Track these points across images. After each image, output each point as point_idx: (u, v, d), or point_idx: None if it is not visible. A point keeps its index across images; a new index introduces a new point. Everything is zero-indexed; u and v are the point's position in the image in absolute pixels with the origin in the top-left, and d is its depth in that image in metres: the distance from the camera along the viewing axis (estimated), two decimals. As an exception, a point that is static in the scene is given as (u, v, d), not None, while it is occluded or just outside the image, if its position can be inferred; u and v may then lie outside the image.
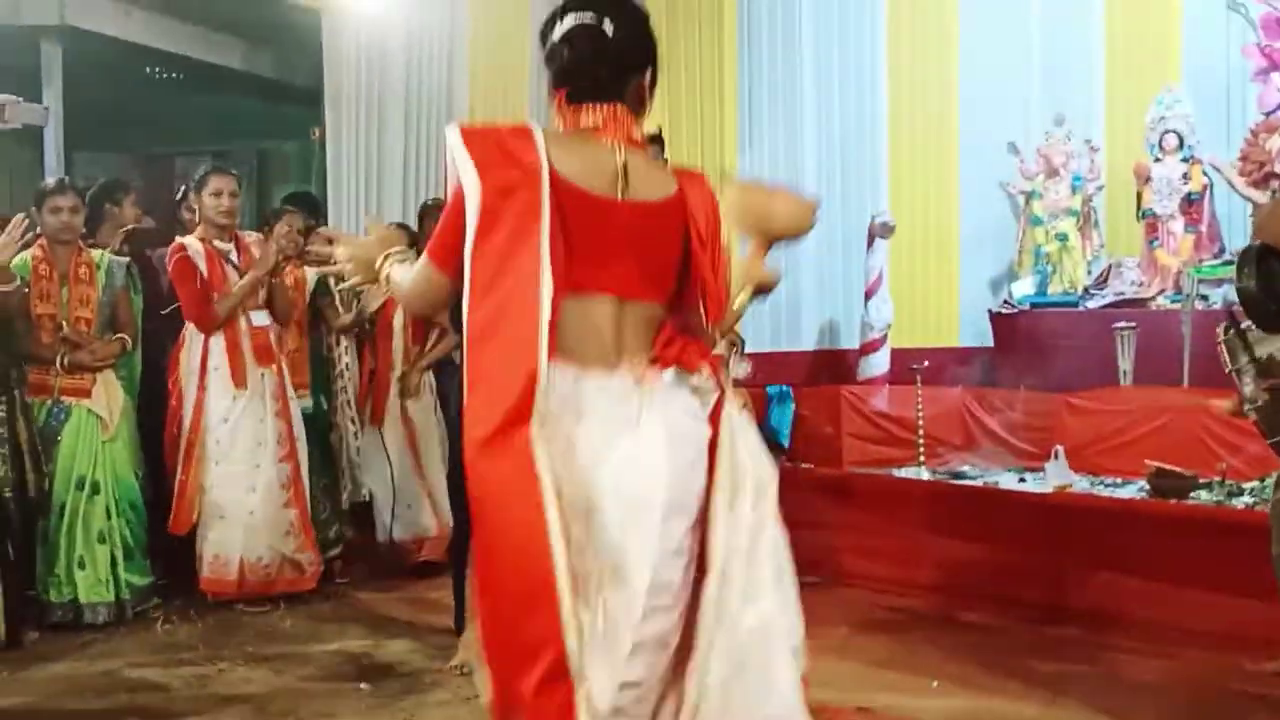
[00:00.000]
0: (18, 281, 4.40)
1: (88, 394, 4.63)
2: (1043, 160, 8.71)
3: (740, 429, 2.06)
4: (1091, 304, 8.31)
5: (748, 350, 8.08)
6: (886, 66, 9.06)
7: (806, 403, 7.72)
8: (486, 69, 7.35)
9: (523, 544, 1.87)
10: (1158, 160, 8.24)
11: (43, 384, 4.57)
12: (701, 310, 2.12)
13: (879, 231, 8.25)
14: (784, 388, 7.70)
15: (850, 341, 8.68)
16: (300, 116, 8.27)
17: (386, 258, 2.20)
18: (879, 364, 8.26)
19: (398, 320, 5.42)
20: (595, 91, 2.06)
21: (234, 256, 4.92)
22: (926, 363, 7.11)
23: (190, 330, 4.86)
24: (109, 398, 4.67)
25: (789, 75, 8.75)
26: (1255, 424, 3.42)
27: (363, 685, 3.87)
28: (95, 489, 4.62)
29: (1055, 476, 6.16)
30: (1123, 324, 7.44)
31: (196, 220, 5.12)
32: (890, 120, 9.00)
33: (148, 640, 4.46)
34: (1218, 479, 5.92)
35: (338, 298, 5.34)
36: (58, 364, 4.55)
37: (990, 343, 8.62)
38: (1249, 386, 3.35)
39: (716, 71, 8.46)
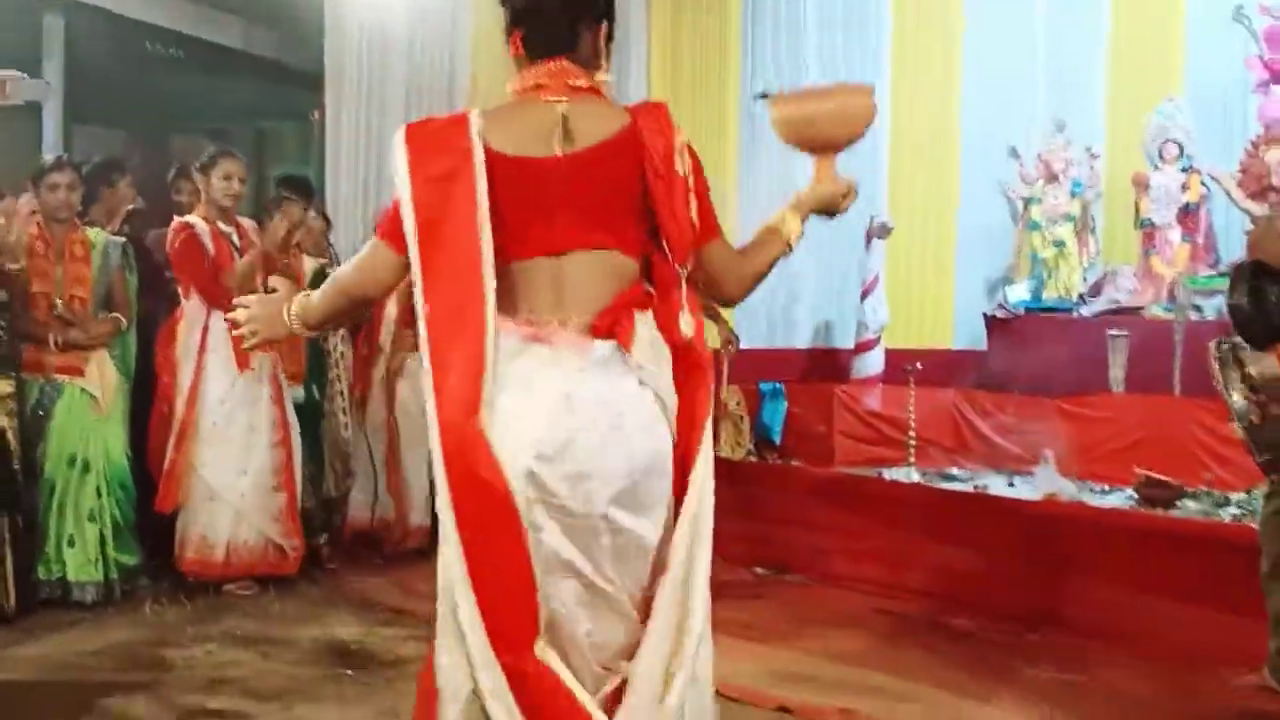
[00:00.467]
0: (22, 263, 4.40)
1: (81, 372, 4.62)
2: (1043, 165, 8.73)
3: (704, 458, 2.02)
4: (1086, 311, 8.34)
5: (742, 346, 8.13)
6: (890, 66, 9.07)
7: (799, 400, 7.75)
8: (489, 51, 7.33)
9: (496, 524, 1.90)
10: (1157, 169, 8.26)
11: (37, 362, 4.56)
12: (666, 249, 2.03)
13: (877, 232, 8.27)
14: (777, 385, 7.73)
15: (845, 341, 8.70)
16: (300, 97, 8.25)
17: (290, 304, 2.18)
18: (873, 364, 8.29)
19: (390, 308, 5.42)
20: (548, 42, 2.06)
21: (235, 240, 4.91)
22: (920, 364, 7.13)
23: (190, 310, 4.83)
24: (102, 377, 4.67)
25: (792, 72, 8.74)
26: (1243, 441, 3.44)
27: (349, 671, 3.87)
28: (86, 467, 4.61)
29: (1044, 482, 6.19)
30: (1116, 331, 7.47)
31: (188, 200, 5.12)
32: (892, 121, 9.00)
33: (136, 620, 4.46)
34: (1205, 489, 5.97)
35: None
36: (52, 342, 4.54)
37: (984, 346, 8.65)
38: (1238, 403, 3.37)
39: (719, 66, 8.46)
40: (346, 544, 5.52)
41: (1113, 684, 3.90)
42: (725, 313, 8.26)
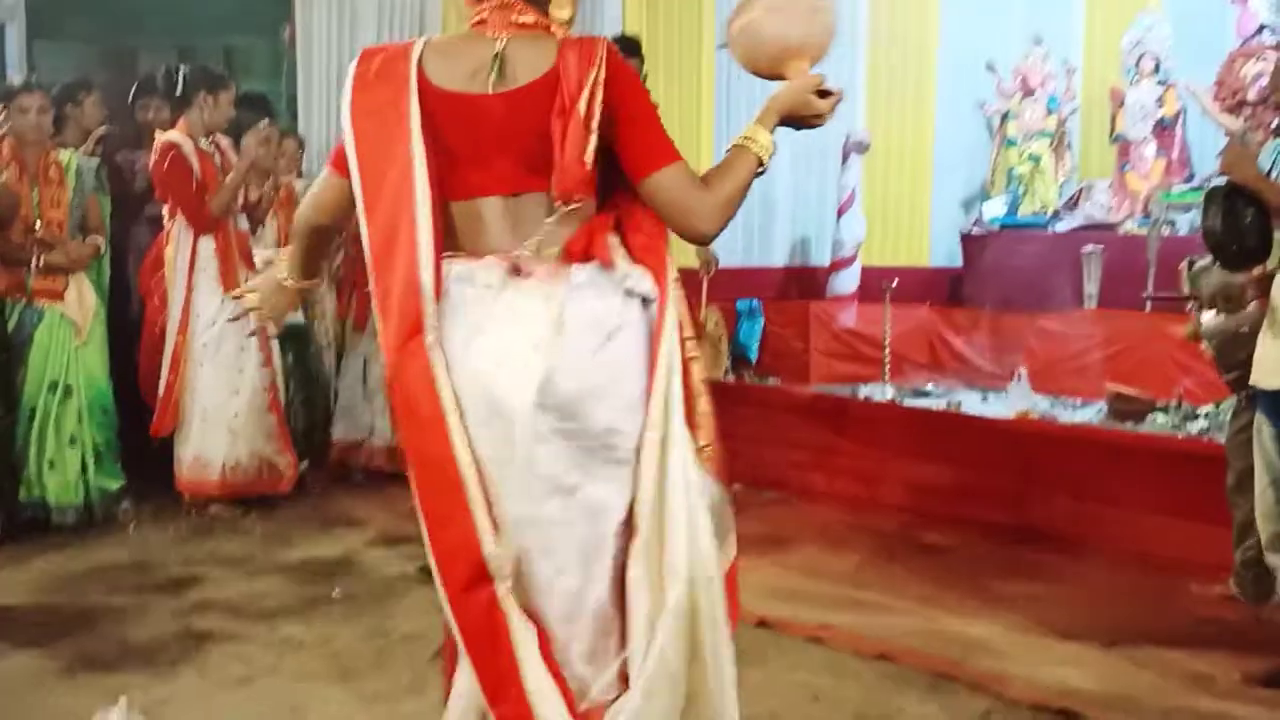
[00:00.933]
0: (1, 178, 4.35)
1: (60, 296, 4.60)
2: (1020, 80, 8.70)
3: (674, 362, 1.94)
4: (1061, 226, 8.39)
5: (722, 265, 8.13)
6: (867, -21, 8.95)
7: (776, 318, 7.79)
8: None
9: (433, 455, 1.90)
10: (1133, 84, 8.25)
11: (15, 285, 4.53)
12: (553, 184, 1.92)
13: (854, 149, 8.24)
14: (754, 302, 7.76)
15: (821, 258, 8.72)
16: (270, 12, 8.06)
17: (279, 268, 2.22)
18: (849, 281, 8.33)
19: None
20: None
21: (217, 158, 4.88)
22: (896, 281, 7.17)
23: (178, 230, 4.79)
24: (82, 301, 4.64)
25: None
26: (1212, 357, 3.50)
27: (335, 592, 3.93)
28: (68, 392, 4.61)
29: (1017, 398, 6.27)
30: (1089, 247, 7.52)
31: (154, 118, 5.07)
32: (869, 35, 8.92)
33: (120, 544, 4.50)
34: (1174, 402, 6.06)
35: None
36: (33, 265, 4.51)
37: (960, 263, 8.70)
38: (1207, 321, 3.43)
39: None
40: (331, 466, 5.55)
41: (1083, 595, 4.01)
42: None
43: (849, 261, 8.35)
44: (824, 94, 2.02)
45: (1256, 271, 3.15)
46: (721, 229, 2.01)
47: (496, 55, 1.93)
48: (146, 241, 5.18)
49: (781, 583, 4.12)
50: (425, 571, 2.07)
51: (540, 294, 1.90)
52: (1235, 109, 7.78)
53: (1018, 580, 4.15)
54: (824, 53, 2.05)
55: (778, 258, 8.92)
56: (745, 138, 1.99)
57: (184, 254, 4.76)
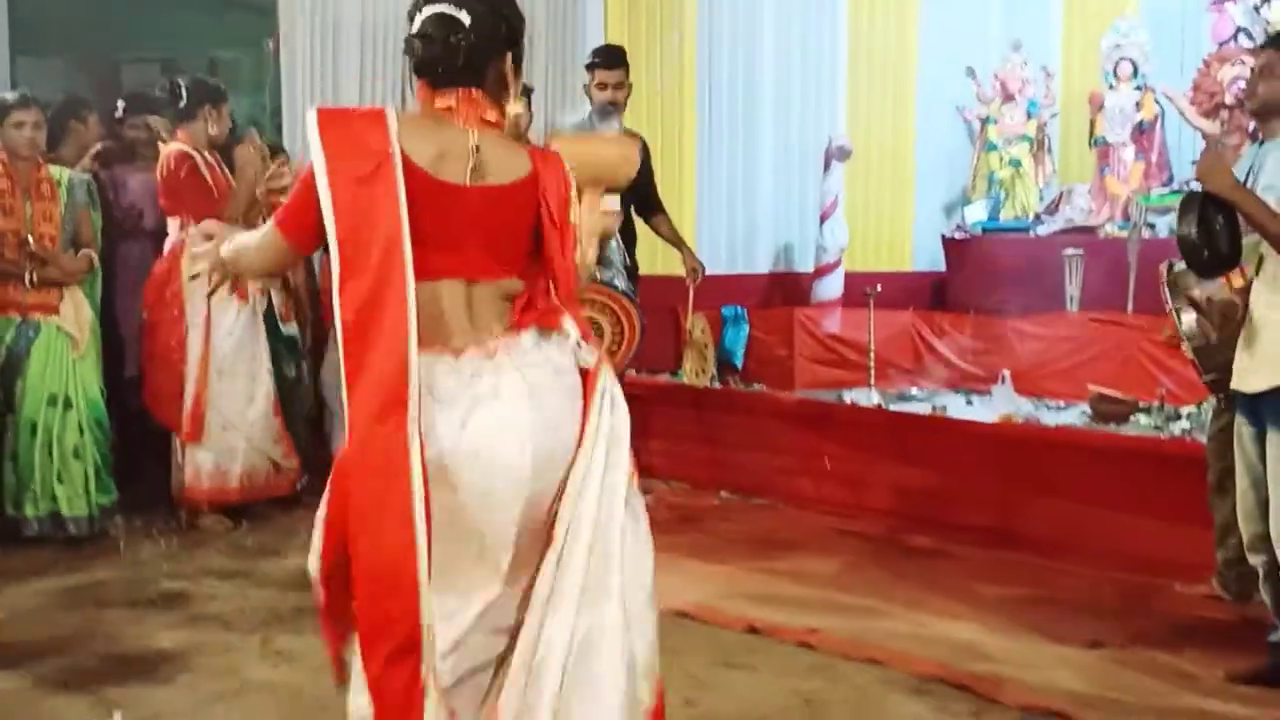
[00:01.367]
0: None
1: (56, 310, 4.61)
2: (999, 85, 8.77)
3: (614, 402, 2.14)
4: (1042, 230, 8.46)
5: (706, 272, 8.17)
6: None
7: (760, 325, 7.83)
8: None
9: (391, 526, 1.94)
10: (1111, 88, 8.34)
11: (9, 300, 4.54)
12: (551, 287, 2.17)
13: (836, 155, 8.29)
14: (739, 309, 7.80)
15: (805, 264, 8.76)
16: (254, 25, 8.07)
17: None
18: (833, 287, 8.37)
19: None
20: (452, 79, 2.09)
21: (219, 170, 4.98)
22: (880, 287, 7.21)
23: (192, 241, 4.81)
24: (78, 315, 4.66)
25: (748, 7, 8.66)
26: (1192, 361, 3.55)
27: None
28: (68, 404, 4.63)
29: (1001, 401, 6.33)
30: (1071, 250, 7.59)
31: (145, 136, 5.11)
32: (849, 43, 8.99)
33: (114, 558, 4.50)
34: (1156, 403, 6.13)
35: None
36: (26, 280, 4.52)
37: (942, 267, 8.76)
38: (1187, 324, 3.48)
39: (677, 11, 8.37)
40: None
41: (1068, 597, 4.06)
42: (687, 237, 8.34)
43: (832, 267, 8.40)
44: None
45: (1239, 283, 3.20)
46: None
47: (475, 148, 2.07)
48: (135, 256, 5.19)
49: (769, 588, 4.16)
50: None
51: (510, 366, 2.05)
52: (1212, 113, 7.88)
53: (1004, 583, 4.20)
54: (620, 188, 2.44)
55: (761, 264, 8.96)
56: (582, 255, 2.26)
57: (201, 264, 4.78)
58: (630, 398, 6.12)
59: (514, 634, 2.08)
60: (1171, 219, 7.88)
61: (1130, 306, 7.14)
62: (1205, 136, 7.87)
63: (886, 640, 3.59)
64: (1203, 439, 4.16)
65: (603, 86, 5.17)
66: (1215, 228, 3.02)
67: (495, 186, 2.08)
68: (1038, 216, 8.63)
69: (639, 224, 5.40)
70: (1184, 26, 8.48)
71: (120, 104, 5.53)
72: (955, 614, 3.86)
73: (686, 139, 8.39)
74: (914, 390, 7.18)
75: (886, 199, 9.13)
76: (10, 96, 4.72)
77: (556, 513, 2.07)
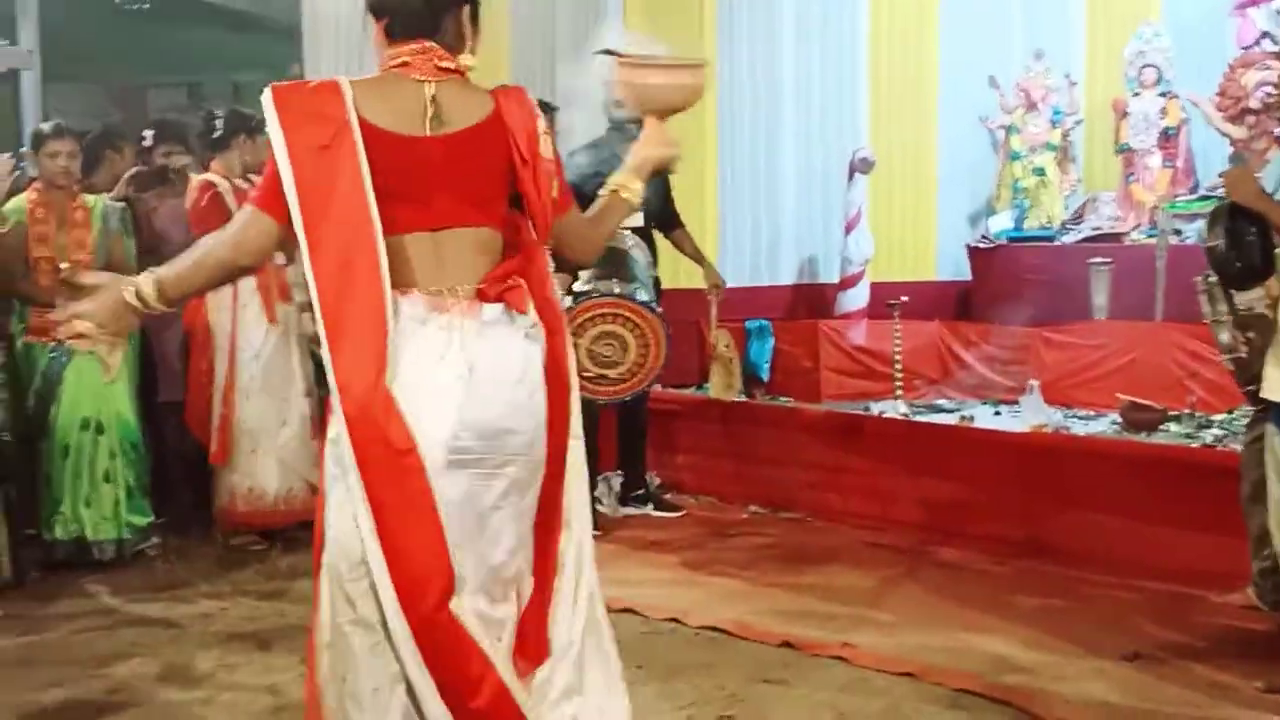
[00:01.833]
0: (10, 224, 4.43)
1: (90, 336, 4.67)
2: (1022, 94, 8.75)
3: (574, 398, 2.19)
4: (1068, 239, 8.43)
5: (730, 285, 8.17)
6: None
7: (785, 337, 7.82)
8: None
9: (409, 485, 2.00)
10: (1136, 95, 8.30)
11: (44, 326, 4.60)
12: (531, 226, 2.16)
13: (859, 167, 8.28)
14: (763, 322, 7.80)
15: (829, 276, 8.75)
16: (278, 49, 8.16)
17: (129, 289, 2.11)
18: (857, 298, 8.35)
19: None
20: (409, 26, 2.10)
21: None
22: (905, 297, 7.20)
23: None
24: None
25: (768, 6, 8.68)
26: (1231, 372, 3.53)
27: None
28: (100, 429, 4.69)
29: (1030, 411, 6.30)
30: (1098, 259, 7.56)
31: (176, 163, 5.18)
32: (870, 54, 8.98)
33: (150, 579, 4.55)
34: (1187, 411, 6.10)
35: None
36: (59, 306, 4.57)
37: (968, 277, 8.73)
38: (1225, 336, 3.46)
39: (696, 2, 8.39)
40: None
41: (1102, 608, 4.03)
42: (710, 250, 8.35)
43: (857, 278, 8.39)
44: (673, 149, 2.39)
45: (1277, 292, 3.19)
46: (596, 258, 2.56)
47: (433, 99, 2.07)
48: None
49: (801, 603, 4.15)
50: None
51: (456, 330, 2.05)
52: (1238, 118, 7.83)
53: (1036, 595, 4.18)
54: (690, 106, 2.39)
55: (785, 277, 8.95)
56: (622, 185, 2.29)
57: (226, 289, 4.84)
58: (657, 412, 6.18)
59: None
60: (1199, 225, 7.84)
61: (1159, 314, 7.10)
62: (1232, 142, 7.83)
63: (920, 654, 3.58)
64: (1235, 447, 4.13)
65: (619, 103, 5.17)
66: (1246, 239, 3.02)
67: (457, 132, 2.08)
68: (1063, 225, 8.59)
69: (657, 237, 5.41)
70: (1207, 32, 8.41)
71: (149, 133, 5.59)
72: (988, 626, 3.84)
73: (708, 152, 8.40)
74: (942, 401, 7.16)
75: (910, 209, 9.11)
76: (46, 127, 4.80)
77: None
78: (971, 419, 6.27)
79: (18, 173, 4.49)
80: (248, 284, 4.82)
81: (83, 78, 8.90)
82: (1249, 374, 3.37)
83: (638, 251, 5.21)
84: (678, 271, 6.08)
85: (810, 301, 8.82)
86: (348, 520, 2.04)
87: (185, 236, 5.09)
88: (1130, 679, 3.39)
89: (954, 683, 3.34)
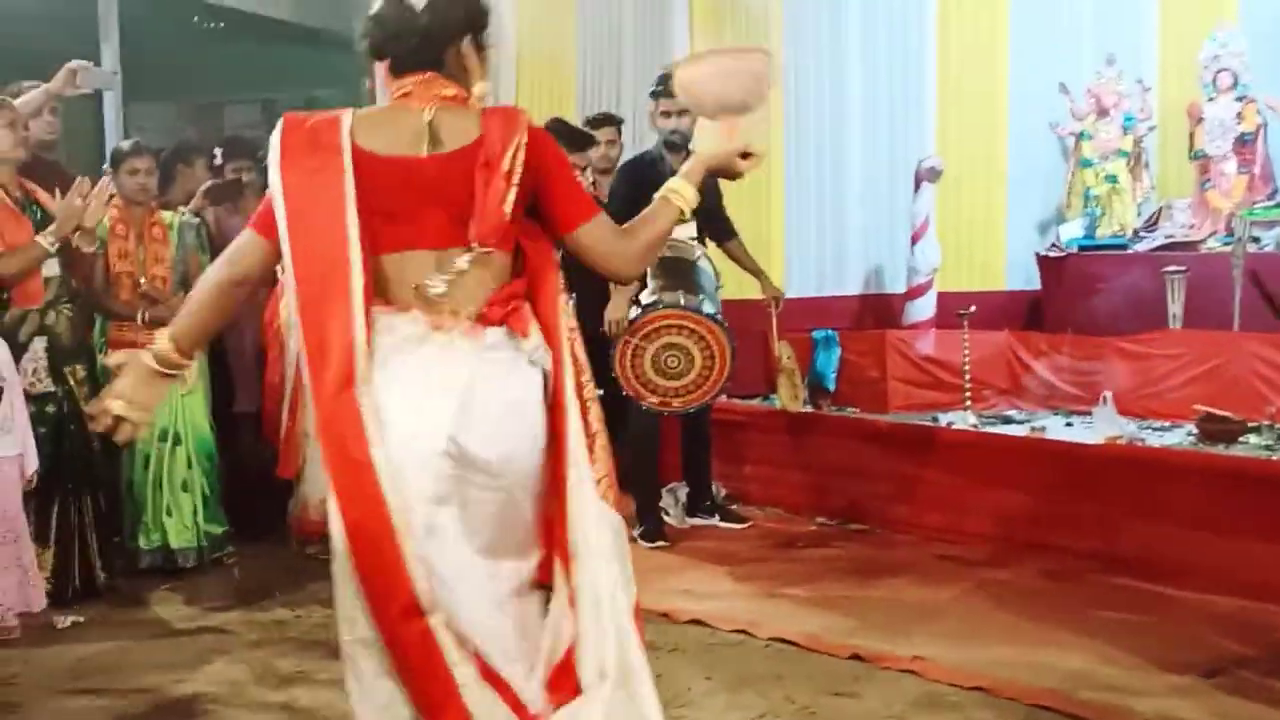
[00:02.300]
0: (100, 245, 4.57)
1: (165, 349, 4.79)
2: (1093, 100, 8.62)
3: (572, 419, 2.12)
4: (1141, 247, 8.28)
5: (793, 294, 8.16)
6: (936, 4, 8.94)
7: (852, 347, 7.76)
8: (533, 15, 7.34)
9: (364, 499, 2.00)
10: (1211, 100, 8.15)
11: (124, 339, 4.73)
12: (471, 226, 2.10)
13: (926, 176, 8.22)
14: (830, 332, 7.76)
15: (896, 286, 8.69)
16: (350, 63, 8.30)
17: (148, 356, 2.18)
18: (925, 308, 8.28)
19: None
20: (408, 62, 2.14)
21: None
22: (974, 307, 7.12)
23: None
24: None
25: (834, 15, 8.66)
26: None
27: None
28: (176, 440, 4.82)
29: (1104, 423, 6.19)
30: (1173, 267, 7.42)
31: (247, 179, 5.30)
32: (938, 60, 8.91)
33: (227, 587, 4.65)
34: (1267, 422, 5.95)
35: None
36: (139, 319, 4.72)
37: (1038, 286, 8.62)
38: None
39: (762, 9, 8.39)
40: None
41: (1180, 623, 3.96)
42: (776, 260, 8.34)
43: (925, 288, 8.32)
44: (746, 155, 2.28)
45: None
46: (641, 271, 2.43)
47: (429, 124, 2.10)
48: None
49: (870, 616, 4.13)
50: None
51: (456, 352, 2.06)
52: (1317, 122, 7.66)
53: (1112, 609, 4.12)
54: (757, 109, 2.29)
55: (852, 286, 8.91)
56: (672, 190, 2.22)
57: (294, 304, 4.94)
58: (724, 423, 6.19)
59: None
60: (1277, 233, 7.69)
61: (1236, 323, 6.95)
62: (1311, 147, 7.67)
63: (992, 668, 3.54)
64: (1318, 460, 4.05)
65: (667, 115, 5.04)
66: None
67: (449, 153, 2.11)
68: (1136, 233, 8.45)
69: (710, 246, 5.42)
70: (1285, 34, 8.25)
71: (218, 151, 5.72)
72: (1063, 641, 3.79)
73: (774, 162, 8.39)
74: (1011, 412, 7.07)
75: (979, 218, 9.01)
76: (125, 145, 4.95)
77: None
78: (1043, 430, 6.18)
79: (115, 188, 4.63)
80: None
81: (161, 96, 9.13)
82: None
83: (705, 263, 5.23)
84: (743, 281, 6.08)
85: (877, 311, 8.77)
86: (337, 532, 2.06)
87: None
88: (1211, 696, 3.33)
89: (1028, 698, 3.30)
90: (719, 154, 2.27)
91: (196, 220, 5.09)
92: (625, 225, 2.21)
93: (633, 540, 5.23)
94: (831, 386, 7.62)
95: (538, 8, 7.25)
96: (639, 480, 5.38)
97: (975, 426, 6.34)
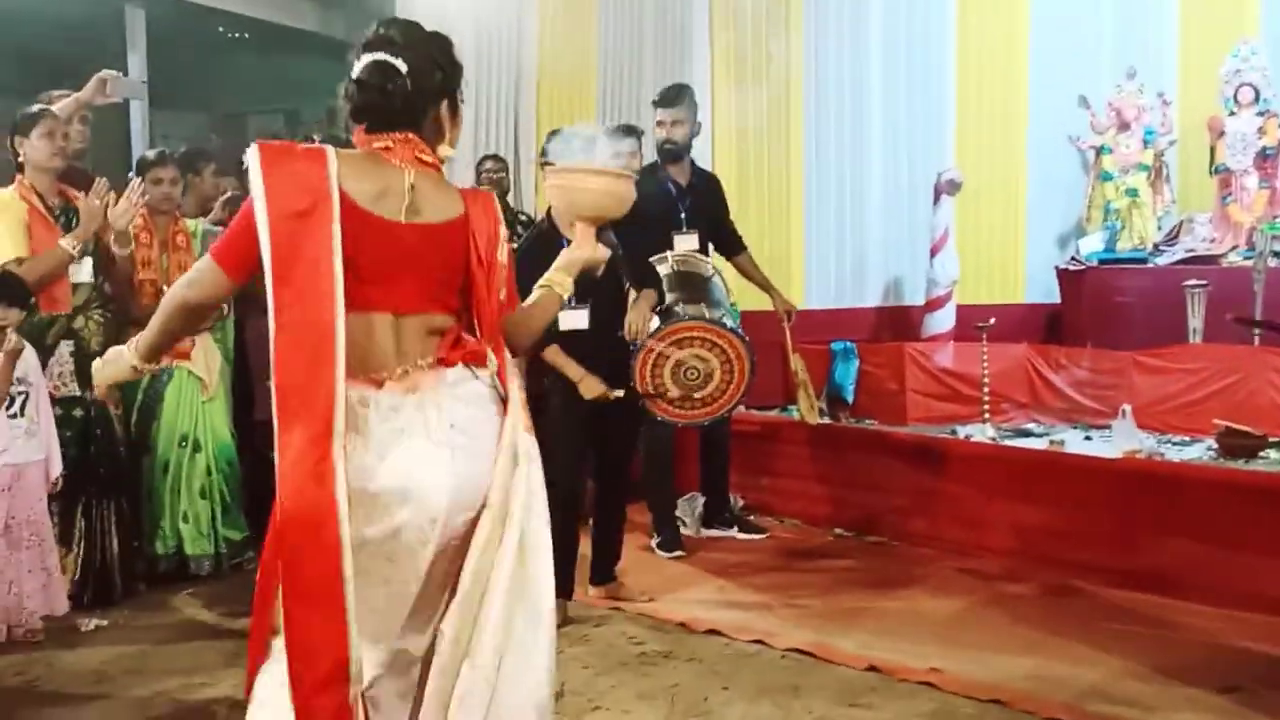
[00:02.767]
0: (133, 246, 4.63)
1: (188, 356, 4.85)
2: (1114, 113, 8.62)
3: (524, 454, 2.17)
4: (1162, 261, 8.27)
5: (812, 306, 8.17)
6: (955, 17, 8.96)
7: (871, 359, 7.76)
8: (553, 37, 7.39)
9: (318, 557, 1.96)
10: (1232, 114, 8.14)
11: None
12: (476, 323, 2.24)
13: (946, 189, 8.22)
14: (848, 344, 7.76)
15: (915, 298, 8.69)
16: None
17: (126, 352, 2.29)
18: (944, 320, 8.28)
19: None
20: (391, 123, 2.16)
21: None
22: (994, 320, 7.12)
23: None
24: (208, 360, 4.91)
25: (855, 28, 8.68)
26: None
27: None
28: (196, 446, 4.87)
29: (1123, 437, 6.18)
30: (1193, 282, 7.40)
31: None
32: (958, 73, 8.92)
33: (247, 592, 4.65)
34: (1288, 438, 5.93)
35: None
36: None
37: (1057, 299, 8.61)
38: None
39: (783, 23, 8.41)
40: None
41: (1196, 638, 3.96)
42: (796, 272, 8.36)
43: (944, 300, 8.31)
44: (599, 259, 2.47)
45: None
46: (530, 350, 2.71)
47: (411, 186, 2.13)
48: (265, 302, 5.41)
49: (887, 628, 4.13)
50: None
51: (432, 403, 2.11)
52: (1339, 137, 7.64)
53: (1128, 623, 4.12)
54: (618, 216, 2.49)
55: (871, 298, 8.91)
56: (552, 282, 2.38)
57: None
58: (743, 434, 6.18)
59: (424, 667, 2.13)
60: (1299, 247, 7.67)
61: (1257, 338, 6.93)
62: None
63: (1009, 681, 3.55)
64: (1338, 476, 4.03)
65: (661, 125, 5.25)
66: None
67: (429, 224, 2.15)
68: (1156, 247, 8.44)
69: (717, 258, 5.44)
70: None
71: (243, 161, 5.74)
72: (1079, 655, 3.79)
73: (794, 174, 8.41)
74: (1030, 425, 7.05)
75: (998, 231, 9.01)
76: (150, 154, 5.01)
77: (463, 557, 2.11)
78: (1062, 443, 6.16)
79: (146, 196, 4.67)
80: None
81: (187, 106, 9.22)
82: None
83: (718, 279, 5.26)
84: (759, 291, 6.11)
85: (896, 323, 8.77)
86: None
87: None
88: (1228, 712, 3.32)
89: (1045, 711, 3.30)
90: (587, 258, 2.42)
91: (219, 229, 5.13)
92: (520, 308, 2.35)
93: (649, 549, 5.27)
94: (850, 398, 7.62)
95: (559, 20, 7.29)
96: (655, 490, 5.40)
97: (994, 439, 6.33)
